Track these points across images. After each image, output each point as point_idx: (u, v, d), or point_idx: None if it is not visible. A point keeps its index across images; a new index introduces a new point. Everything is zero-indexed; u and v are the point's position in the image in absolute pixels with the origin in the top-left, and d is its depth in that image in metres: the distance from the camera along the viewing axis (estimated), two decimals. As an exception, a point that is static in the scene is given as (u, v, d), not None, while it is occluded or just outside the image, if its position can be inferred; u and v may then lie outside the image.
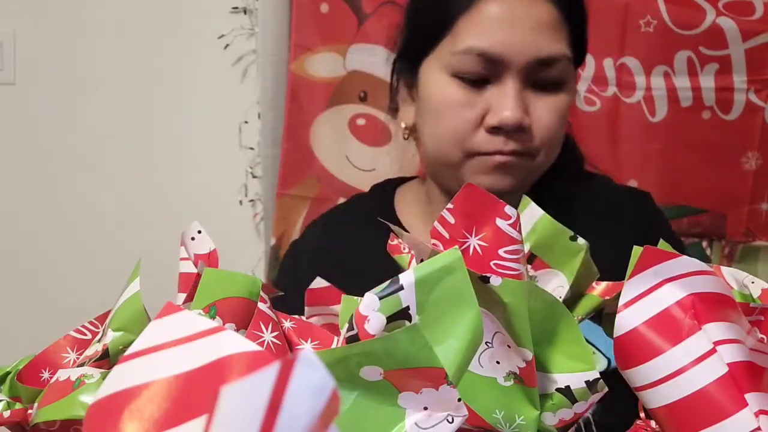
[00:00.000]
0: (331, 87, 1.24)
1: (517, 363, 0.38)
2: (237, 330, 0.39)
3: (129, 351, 0.26)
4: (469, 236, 0.38)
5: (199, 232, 0.44)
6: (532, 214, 0.44)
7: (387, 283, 0.32)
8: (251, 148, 1.29)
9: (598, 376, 0.38)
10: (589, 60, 1.17)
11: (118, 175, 1.33)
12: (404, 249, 0.46)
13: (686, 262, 0.36)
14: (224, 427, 0.19)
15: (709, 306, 0.36)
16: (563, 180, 0.79)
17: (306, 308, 0.46)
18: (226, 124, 1.29)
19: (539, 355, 0.38)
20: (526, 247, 0.43)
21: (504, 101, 0.69)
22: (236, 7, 1.26)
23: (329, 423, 0.18)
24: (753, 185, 1.20)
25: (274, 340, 0.39)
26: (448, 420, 0.31)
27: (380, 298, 0.32)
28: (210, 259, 0.43)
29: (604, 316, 0.44)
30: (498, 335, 0.38)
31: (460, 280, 0.33)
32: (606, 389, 0.39)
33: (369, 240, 0.60)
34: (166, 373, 0.25)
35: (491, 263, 0.37)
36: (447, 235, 0.39)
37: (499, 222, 0.38)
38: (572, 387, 0.39)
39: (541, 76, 0.70)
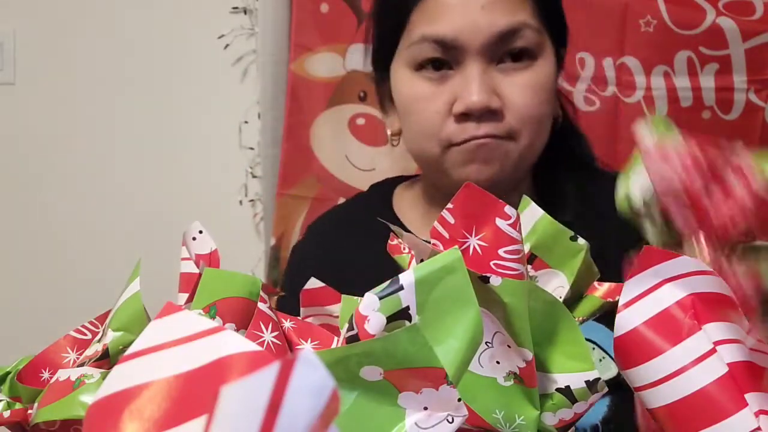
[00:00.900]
0: (331, 87, 1.24)
1: (517, 363, 0.38)
2: (237, 330, 0.39)
3: (129, 351, 0.26)
4: (469, 236, 0.38)
5: (201, 232, 0.44)
6: (532, 214, 0.44)
7: (387, 283, 0.32)
8: (251, 148, 1.29)
9: (598, 376, 0.38)
10: (589, 60, 1.17)
11: (118, 175, 1.33)
12: (404, 249, 0.46)
13: (686, 262, 0.36)
14: (224, 427, 0.19)
15: (709, 306, 0.36)
16: (576, 173, 0.77)
17: (301, 309, 0.46)
18: (226, 124, 1.29)
19: (539, 355, 0.38)
20: (527, 247, 0.43)
21: (468, 86, 0.67)
22: (236, 7, 1.26)
23: (329, 423, 0.18)
24: (753, 185, 1.20)
25: (274, 340, 0.39)
26: (448, 420, 0.31)
27: (380, 298, 0.32)
28: (211, 259, 0.43)
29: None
30: (498, 335, 0.38)
31: (460, 280, 0.33)
32: (606, 389, 0.39)
33: (369, 240, 0.60)
34: (166, 373, 0.25)
35: (491, 263, 0.37)
36: (447, 235, 0.39)
37: (499, 222, 0.38)
38: (572, 387, 0.39)
39: (506, 52, 0.68)
